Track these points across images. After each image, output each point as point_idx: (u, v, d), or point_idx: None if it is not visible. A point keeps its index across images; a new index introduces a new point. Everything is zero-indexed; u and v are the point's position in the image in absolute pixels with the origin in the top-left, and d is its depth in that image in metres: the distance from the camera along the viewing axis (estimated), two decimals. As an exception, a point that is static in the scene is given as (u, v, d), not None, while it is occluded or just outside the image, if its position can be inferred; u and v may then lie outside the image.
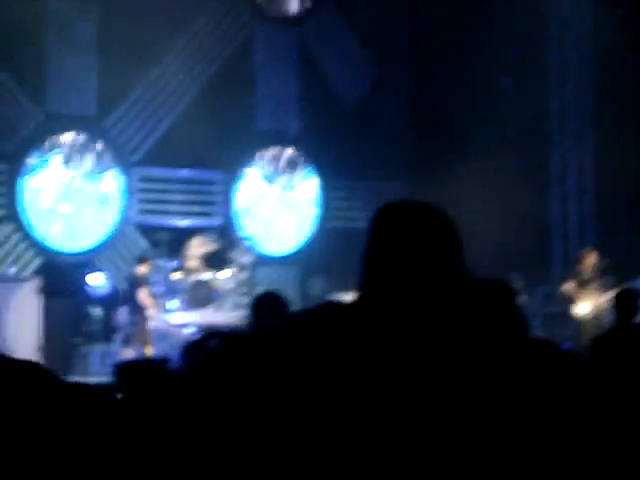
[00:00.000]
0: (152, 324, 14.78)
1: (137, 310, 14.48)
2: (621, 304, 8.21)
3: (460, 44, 17.85)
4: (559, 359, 2.42)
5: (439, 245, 2.39)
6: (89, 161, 17.09)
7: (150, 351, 14.03)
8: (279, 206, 18.91)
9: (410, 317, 2.32)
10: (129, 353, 14.08)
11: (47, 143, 16.76)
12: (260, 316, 5.63)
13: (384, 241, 2.43)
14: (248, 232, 17.81)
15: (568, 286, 14.50)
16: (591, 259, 14.54)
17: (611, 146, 16.46)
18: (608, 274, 14.39)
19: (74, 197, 16.95)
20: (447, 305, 2.34)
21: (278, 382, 2.11)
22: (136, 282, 14.77)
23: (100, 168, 17.22)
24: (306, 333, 2.29)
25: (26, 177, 16.58)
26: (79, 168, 17.01)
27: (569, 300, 14.38)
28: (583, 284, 14.33)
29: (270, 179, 18.84)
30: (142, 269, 14.90)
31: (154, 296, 15.83)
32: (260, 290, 16.34)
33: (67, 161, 16.91)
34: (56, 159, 16.83)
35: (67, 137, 16.94)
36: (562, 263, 17.52)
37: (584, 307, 14.16)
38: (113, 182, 17.35)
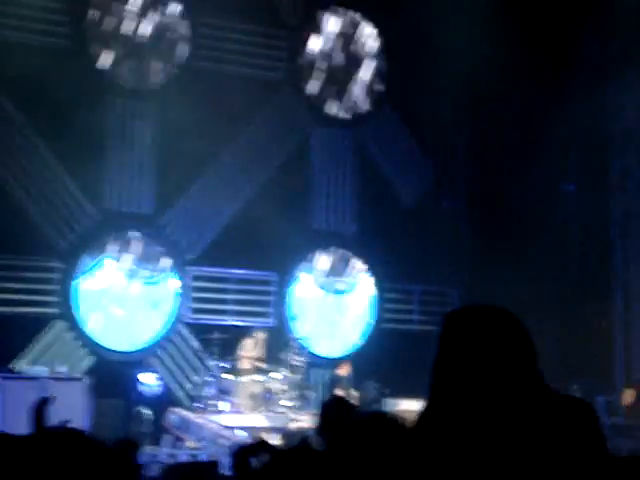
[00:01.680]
0: (203, 425, 14.57)
1: None
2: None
3: (521, 147, 17.71)
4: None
5: (516, 353, 2.28)
6: (143, 262, 17.02)
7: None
8: (334, 308, 18.69)
9: (484, 434, 2.18)
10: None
11: (102, 242, 16.72)
12: (327, 421, 5.39)
13: (457, 347, 2.32)
14: (301, 333, 17.58)
15: (627, 395, 14.09)
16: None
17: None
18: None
19: (127, 301, 16.86)
20: (526, 421, 2.20)
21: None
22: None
23: (155, 271, 17.14)
24: (361, 454, 2.15)
25: (81, 277, 16.52)
26: (132, 269, 16.94)
27: (629, 410, 13.93)
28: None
29: (326, 281, 18.65)
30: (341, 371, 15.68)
31: (207, 397, 15.64)
32: (312, 393, 16.29)
33: (121, 259, 16.84)
34: (111, 258, 16.79)
35: (123, 236, 16.91)
36: (624, 372, 17.07)
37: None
38: (168, 284, 17.24)
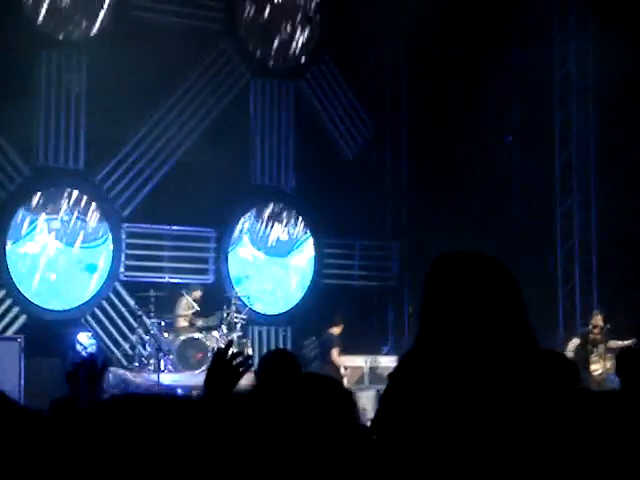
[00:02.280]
0: (140, 384, 14.39)
1: None
2: (624, 365, 7.67)
3: (463, 98, 17.56)
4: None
5: (505, 302, 2.22)
6: (74, 217, 16.60)
7: None
8: (272, 264, 18.44)
9: (469, 382, 2.11)
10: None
11: (34, 198, 16.27)
12: (266, 375, 5.13)
13: (442, 293, 2.25)
14: (240, 291, 17.36)
15: (573, 344, 14.16)
16: (598, 320, 14.22)
17: (614, 205, 16.27)
18: (614, 335, 14.15)
19: (61, 265, 16.45)
20: (513, 375, 2.14)
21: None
22: (332, 342, 14.96)
23: (90, 232, 16.73)
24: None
25: (11, 240, 16.06)
26: (63, 223, 16.51)
27: (581, 359, 13.91)
28: (592, 344, 13.95)
29: (263, 237, 18.38)
30: (336, 330, 15.15)
31: (145, 356, 15.43)
32: (250, 350, 16.10)
33: (52, 215, 16.40)
34: (42, 223, 16.31)
35: (55, 192, 16.48)
36: (565, 325, 17.12)
37: (594, 369, 13.70)
38: (101, 252, 16.84)
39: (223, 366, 3.60)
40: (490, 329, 2.16)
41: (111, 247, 16.87)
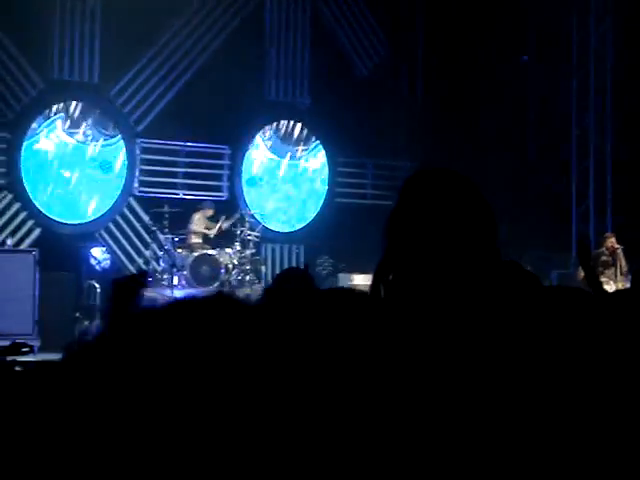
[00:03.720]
0: (155, 299, 14.45)
1: None
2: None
3: (478, 18, 17.37)
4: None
5: (474, 217, 2.21)
6: (92, 129, 16.60)
7: None
8: (286, 182, 18.45)
9: (438, 307, 2.13)
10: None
11: (49, 111, 16.26)
12: (282, 290, 5.15)
13: (414, 209, 2.24)
14: (254, 208, 17.39)
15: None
16: (610, 242, 14.18)
17: (631, 127, 16.16)
18: (626, 258, 14.12)
19: (76, 163, 16.46)
20: (475, 288, 2.15)
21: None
22: None
23: (103, 137, 16.73)
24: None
25: (27, 144, 16.07)
26: (82, 135, 16.52)
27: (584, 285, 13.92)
28: (603, 266, 13.95)
29: (278, 154, 18.36)
30: None
31: (159, 272, 15.51)
32: (264, 267, 16.17)
33: (70, 127, 16.41)
34: (58, 125, 16.33)
35: (70, 105, 16.44)
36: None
37: (607, 289, 13.65)
38: (119, 152, 16.85)
39: (121, 290, 3.85)
40: (456, 244, 2.17)
41: (125, 161, 16.88)
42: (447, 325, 2.07)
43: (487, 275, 2.18)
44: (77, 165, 16.50)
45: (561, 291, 2.39)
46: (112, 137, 16.79)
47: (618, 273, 13.90)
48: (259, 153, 18.20)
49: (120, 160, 16.87)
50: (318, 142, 18.55)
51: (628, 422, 2.09)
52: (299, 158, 18.52)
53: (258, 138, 18.14)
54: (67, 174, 16.41)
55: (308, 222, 18.38)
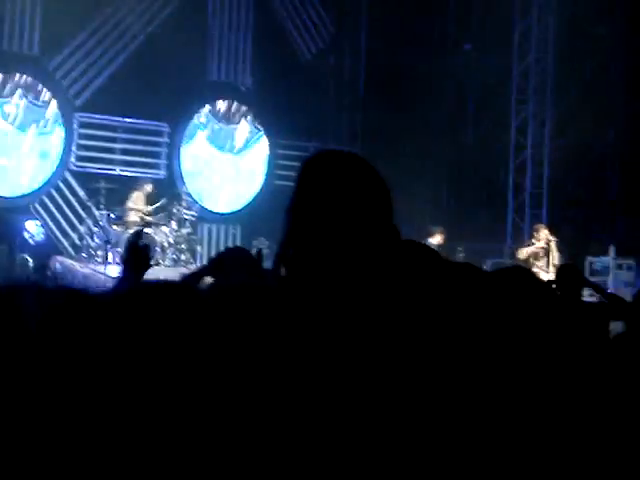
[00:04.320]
0: (87, 274, 14.37)
1: None
2: (563, 279, 7.82)
3: (423, 5, 17.40)
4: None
5: (370, 197, 2.27)
6: (24, 99, 16.32)
7: None
8: (225, 162, 18.34)
9: (336, 284, 2.18)
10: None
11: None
12: (219, 272, 5.11)
13: (312, 190, 2.30)
14: (191, 187, 17.29)
15: (522, 253, 14.26)
16: (544, 234, 14.32)
17: (569, 119, 16.30)
18: (558, 249, 14.26)
19: (14, 150, 16.21)
20: (374, 267, 2.21)
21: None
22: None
23: (35, 106, 16.45)
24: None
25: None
26: (18, 117, 16.26)
27: None
28: (534, 257, 14.11)
29: (217, 133, 18.25)
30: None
31: (93, 248, 15.37)
32: (199, 247, 16.08)
33: (9, 109, 16.14)
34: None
35: (7, 76, 16.17)
36: (514, 237, 17.27)
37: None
38: (56, 132, 16.61)
39: (136, 252, 3.94)
40: (352, 223, 2.22)
41: (62, 135, 16.65)
42: (341, 302, 2.10)
43: (382, 251, 2.23)
44: (15, 154, 16.23)
45: (455, 266, 2.42)
46: (49, 127, 16.51)
47: (550, 265, 14.04)
48: (196, 147, 18.01)
49: (56, 145, 16.61)
50: (260, 131, 18.45)
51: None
52: (238, 151, 18.39)
53: (199, 133, 17.96)
54: (3, 161, 16.14)
55: (246, 203, 18.31)
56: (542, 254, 14.30)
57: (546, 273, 13.71)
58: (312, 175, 2.32)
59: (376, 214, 2.26)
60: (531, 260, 14.12)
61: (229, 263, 5.07)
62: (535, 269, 13.82)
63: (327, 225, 2.23)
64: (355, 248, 2.20)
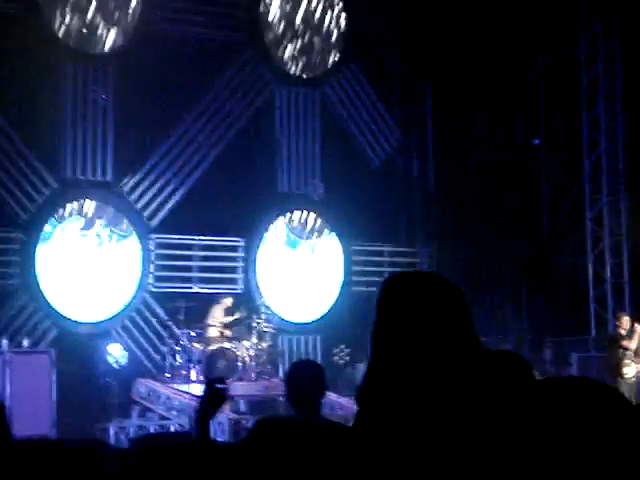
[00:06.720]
0: (172, 395, 14.37)
1: None
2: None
3: (490, 101, 17.45)
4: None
5: (450, 316, 2.32)
6: (105, 229, 16.63)
7: None
8: (301, 273, 18.37)
9: (422, 401, 2.21)
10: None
11: (62, 211, 16.32)
12: (294, 387, 5.08)
13: (394, 314, 2.35)
14: (269, 299, 17.30)
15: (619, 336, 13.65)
16: (625, 320, 13.82)
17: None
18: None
19: (90, 265, 16.45)
20: (461, 381, 2.25)
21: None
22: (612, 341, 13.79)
23: (117, 235, 16.75)
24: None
25: (41, 245, 16.08)
26: (95, 236, 16.54)
27: (613, 363, 13.45)
28: (623, 348, 13.58)
29: (292, 245, 18.34)
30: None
31: (176, 367, 15.39)
32: (282, 359, 16.04)
33: (84, 228, 16.45)
34: (72, 226, 16.38)
35: (83, 204, 16.49)
36: (597, 328, 16.93)
37: (626, 373, 13.27)
38: (130, 250, 16.86)
39: (212, 395, 4.19)
40: (440, 345, 2.25)
41: (140, 258, 16.86)
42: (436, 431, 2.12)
43: (465, 368, 2.25)
44: (91, 268, 16.45)
45: (552, 382, 2.33)
46: (125, 237, 16.79)
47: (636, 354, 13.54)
48: (269, 250, 18.11)
49: (133, 259, 16.83)
50: (333, 233, 18.51)
51: None
52: (313, 258, 18.44)
53: (271, 233, 18.09)
54: (83, 278, 16.35)
55: (324, 312, 18.26)
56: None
57: (635, 363, 13.26)
58: (393, 300, 2.36)
59: (458, 336, 2.28)
60: (621, 351, 13.55)
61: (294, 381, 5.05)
62: (626, 360, 13.34)
63: (409, 356, 2.26)
64: (438, 378, 2.23)
